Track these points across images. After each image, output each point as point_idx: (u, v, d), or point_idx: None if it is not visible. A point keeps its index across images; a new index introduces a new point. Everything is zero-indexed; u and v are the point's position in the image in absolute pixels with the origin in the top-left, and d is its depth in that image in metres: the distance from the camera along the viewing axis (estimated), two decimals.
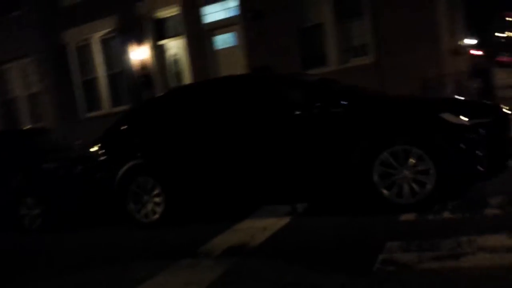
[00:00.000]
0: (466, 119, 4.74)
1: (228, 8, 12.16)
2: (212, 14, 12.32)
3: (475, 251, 3.50)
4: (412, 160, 4.73)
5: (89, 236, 6.39)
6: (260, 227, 5.17)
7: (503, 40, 52.51)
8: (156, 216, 5.99)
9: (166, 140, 6.06)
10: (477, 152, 4.66)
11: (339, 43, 10.98)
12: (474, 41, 23.22)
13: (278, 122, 5.45)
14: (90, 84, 14.00)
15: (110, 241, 5.92)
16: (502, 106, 5.31)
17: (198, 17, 12.36)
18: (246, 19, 11.74)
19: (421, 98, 6.95)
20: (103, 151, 6.62)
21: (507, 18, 54.61)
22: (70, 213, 6.79)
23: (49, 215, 6.80)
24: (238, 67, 11.86)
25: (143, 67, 12.85)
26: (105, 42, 13.70)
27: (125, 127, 6.57)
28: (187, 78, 12.58)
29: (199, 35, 12.37)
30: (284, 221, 5.27)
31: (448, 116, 4.72)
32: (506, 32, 55.07)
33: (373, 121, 4.95)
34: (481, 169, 4.66)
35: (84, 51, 14.08)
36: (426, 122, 4.77)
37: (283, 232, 4.93)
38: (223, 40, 12.35)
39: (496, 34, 49.37)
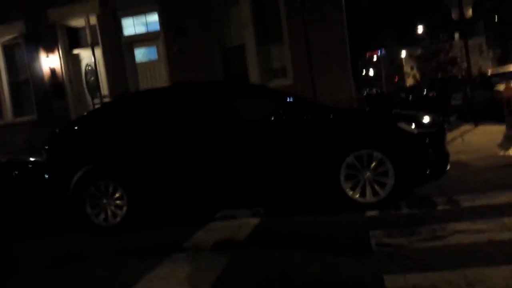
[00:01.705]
0: (417, 128, 5.56)
1: (149, 23, 12.24)
2: (132, 27, 12.28)
3: (452, 234, 4.18)
4: (374, 163, 5.40)
5: (41, 242, 6.00)
6: (234, 226, 5.41)
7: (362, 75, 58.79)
8: (118, 219, 5.91)
9: (128, 144, 6.03)
10: (426, 157, 5.48)
11: (260, 65, 11.63)
12: None
13: (247, 128, 5.81)
14: None
15: (73, 244, 5.68)
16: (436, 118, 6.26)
17: (116, 28, 12.21)
18: (168, 34, 11.91)
19: (380, 110, 7.76)
20: (53, 154, 6.36)
21: (367, 56, 60.89)
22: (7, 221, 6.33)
23: None
24: (158, 81, 11.95)
25: (55, 76, 12.26)
26: (9, 48, 12.82)
27: (79, 131, 6.39)
28: (103, 89, 12.27)
29: (118, 47, 12.20)
30: (255, 220, 5.56)
31: (403, 125, 5.50)
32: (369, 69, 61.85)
33: (341, 128, 5.55)
34: (429, 172, 5.49)
35: None
36: (386, 130, 5.50)
37: (262, 228, 5.24)
38: (143, 54, 12.35)
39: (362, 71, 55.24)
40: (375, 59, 61.74)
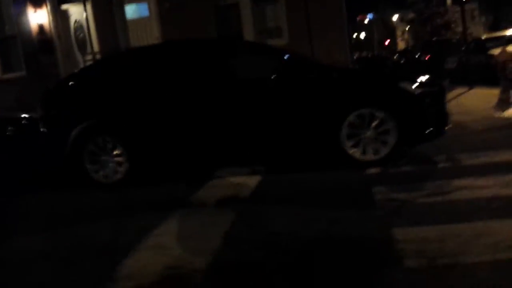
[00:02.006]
0: (418, 88, 5.55)
1: None
2: None
3: (456, 189, 4.23)
4: (376, 122, 5.40)
5: (42, 199, 5.89)
6: (236, 183, 5.40)
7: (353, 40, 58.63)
8: (119, 176, 5.86)
9: (125, 101, 5.90)
10: (427, 116, 5.49)
11: (254, 24, 11.45)
12: None
13: (247, 86, 5.73)
14: None
15: (74, 201, 5.60)
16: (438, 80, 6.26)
17: None
18: None
19: (383, 70, 7.72)
20: (47, 111, 6.23)
21: (358, 20, 60.50)
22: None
23: None
24: (149, 38, 11.70)
25: (43, 31, 11.93)
26: None
27: (74, 88, 6.25)
28: (93, 46, 11.99)
29: (108, 3, 11.89)
30: (257, 178, 5.53)
31: (406, 85, 5.50)
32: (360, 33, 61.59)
33: (344, 87, 5.52)
34: (429, 130, 5.50)
35: None
36: (389, 90, 5.48)
37: (264, 186, 5.23)
38: (135, 10, 12.03)
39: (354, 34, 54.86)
40: (366, 22, 61.14)
